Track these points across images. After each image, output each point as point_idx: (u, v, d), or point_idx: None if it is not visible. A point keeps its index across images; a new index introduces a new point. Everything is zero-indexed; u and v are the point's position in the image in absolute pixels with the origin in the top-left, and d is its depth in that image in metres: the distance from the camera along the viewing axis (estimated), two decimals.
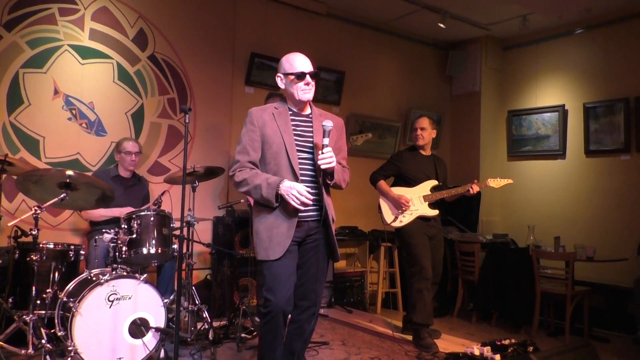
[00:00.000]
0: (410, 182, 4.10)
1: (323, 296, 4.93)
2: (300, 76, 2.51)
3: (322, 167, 2.43)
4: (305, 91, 2.53)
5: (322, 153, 2.43)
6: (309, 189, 2.41)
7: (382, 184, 4.16)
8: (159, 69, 4.52)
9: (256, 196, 2.45)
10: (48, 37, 4.01)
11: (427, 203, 4.03)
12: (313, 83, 2.55)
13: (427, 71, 6.48)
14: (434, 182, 4.09)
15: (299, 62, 2.54)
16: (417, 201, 4.03)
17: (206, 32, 4.78)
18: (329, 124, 2.46)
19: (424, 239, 4.00)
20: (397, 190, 4.09)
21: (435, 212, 4.05)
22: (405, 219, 4.02)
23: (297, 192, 2.36)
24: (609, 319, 4.75)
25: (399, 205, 4.02)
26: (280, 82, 2.59)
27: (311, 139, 2.55)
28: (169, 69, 4.57)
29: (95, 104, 4.21)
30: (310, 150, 2.54)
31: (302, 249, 2.54)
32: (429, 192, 4.05)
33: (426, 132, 4.13)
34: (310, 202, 2.40)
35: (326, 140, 2.44)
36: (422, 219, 4.02)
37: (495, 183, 4.00)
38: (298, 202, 2.37)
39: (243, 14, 5.00)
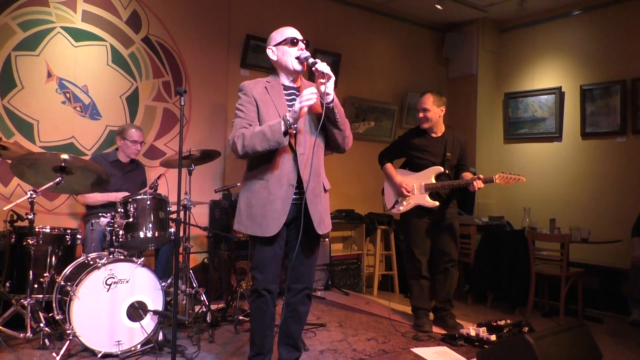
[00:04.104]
0: (416, 167, 3.84)
1: (320, 279, 4.97)
2: (293, 42, 2.45)
3: (325, 71, 2.28)
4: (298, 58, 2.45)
5: (317, 62, 2.31)
6: (313, 90, 2.29)
7: (388, 167, 3.95)
8: (153, 51, 4.47)
9: (262, 144, 2.29)
10: (40, 19, 3.94)
11: (427, 193, 3.75)
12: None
13: (424, 54, 6.44)
14: (439, 170, 3.76)
15: (289, 31, 2.50)
16: (417, 189, 3.79)
17: (201, 13, 4.72)
18: (306, 53, 2.42)
19: (422, 229, 3.81)
20: (402, 175, 3.89)
21: (435, 203, 3.75)
22: (402, 207, 3.86)
23: (304, 95, 2.25)
24: (602, 300, 4.81)
25: (399, 192, 3.85)
26: (272, 54, 2.51)
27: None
28: (163, 52, 4.52)
29: (89, 87, 4.16)
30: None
31: (290, 231, 2.52)
32: (432, 181, 3.76)
33: (430, 113, 3.73)
34: (315, 96, 2.27)
35: (311, 59, 2.36)
36: (422, 207, 3.80)
37: (503, 180, 3.55)
38: (308, 99, 2.25)
39: None
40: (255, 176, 2.46)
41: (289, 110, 2.31)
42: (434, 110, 3.75)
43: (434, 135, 3.85)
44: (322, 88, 2.31)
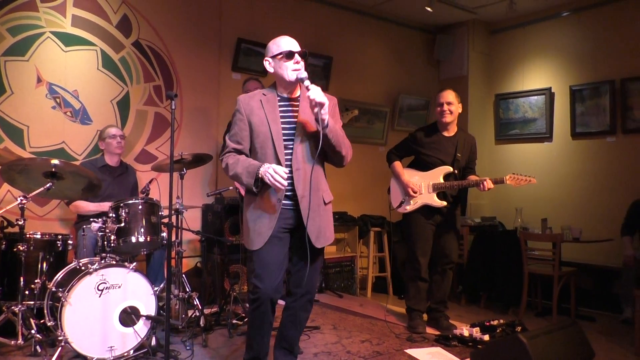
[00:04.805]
0: (424, 166, 3.80)
1: None
2: (289, 55, 2.44)
3: (317, 100, 2.27)
4: (295, 71, 2.43)
5: (310, 89, 2.32)
6: (286, 170, 2.35)
7: (396, 165, 3.87)
8: (143, 55, 4.45)
9: (240, 183, 2.50)
10: (29, 24, 3.92)
11: (434, 193, 3.71)
12: (302, 62, 2.47)
13: (415, 56, 6.46)
14: (448, 169, 3.72)
15: (285, 42, 2.48)
16: (424, 189, 3.74)
17: (191, 17, 4.71)
18: (303, 74, 2.42)
19: (426, 231, 3.78)
20: (409, 174, 3.83)
21: (443, 203, 3.71)
22: (409, 207, 3.80)
23: (272, 170, 2.30)
24: (595, 299, 4.84)
25: (406, 192, 3.79)
26: (269, 66, 2.50)
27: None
28: (154, 56, 4.51)
29: (79, 92, 4.14)
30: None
31: (295, 236, 2.52)
32: (440, 181, 3.72)
33: (454, 107, 3.71)
34: (284, 184, 2.31)
35: (307, 82, 2.36)
36: (429, 207, 3.76)
37: (514, 181, 3.53)
38: (273, 180, 2.30)
39: None
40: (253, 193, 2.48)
41: (268, 168, 2.32)
42: (456, 105, 3.75)
43: (445, 134, 3.81)
44: (316, 110, 2.31)
